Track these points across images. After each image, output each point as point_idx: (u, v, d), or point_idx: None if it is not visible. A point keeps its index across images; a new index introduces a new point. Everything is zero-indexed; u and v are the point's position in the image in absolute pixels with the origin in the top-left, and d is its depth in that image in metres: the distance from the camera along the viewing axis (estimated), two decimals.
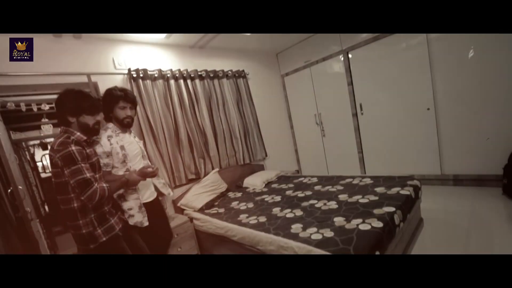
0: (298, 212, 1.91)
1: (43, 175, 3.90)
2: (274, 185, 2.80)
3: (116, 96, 1.54)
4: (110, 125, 1.58)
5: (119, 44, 2.38)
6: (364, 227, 1.47)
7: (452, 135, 2.66)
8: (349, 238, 1.39)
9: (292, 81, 4.06)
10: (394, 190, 1.90)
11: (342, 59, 3.31)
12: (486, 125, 2.42)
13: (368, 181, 2.25)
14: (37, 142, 3.72)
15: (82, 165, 1.17)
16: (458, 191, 2.62)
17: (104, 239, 1.25)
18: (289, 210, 1.99)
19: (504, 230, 1.82)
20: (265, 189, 2.71)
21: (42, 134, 2.95)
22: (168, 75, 2.60)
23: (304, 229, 1.63)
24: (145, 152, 1.75)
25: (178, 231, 2.17)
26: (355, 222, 1.55)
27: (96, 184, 1.20)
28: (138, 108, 2.31)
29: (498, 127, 2.31)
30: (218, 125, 3.02)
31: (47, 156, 4.83)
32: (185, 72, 2.74)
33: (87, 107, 1.28)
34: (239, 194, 2.73)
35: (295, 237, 1.54)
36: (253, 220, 1.95)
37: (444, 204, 2.41)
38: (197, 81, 2.85)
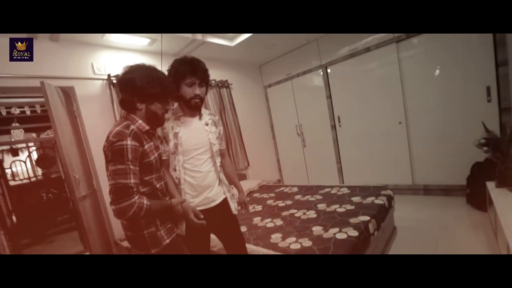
0: (278, 222, 1.93)
1: (12, 183, 3.63)
2: (256, 195, 2.81)
3: (182, 70, 1.17)
4: (175, 105, 1.27)
5: (99, 49, 2.33)
6: (340, 236, 1.52)
7: (422, 147, 2.85)
8: (326, 247, 1.43)
9: (274, 93, 4.16)
10: (369, 199, 1.99)
11: (322, 73, 3.47)
12: (452, 138, 2.61)
13: (345, 190, 2.34)
14: (7, 147, 3.47)
15: (131, 166, 0.93)
16: (428, 200, 2.78)
17: (167, 241, 1.06)
18: (269, 219, 2.01)
19: (468, 237, 1.95)
20: (247, 199, 2.71)
21: (12, 140, 2.76)
22: None
23: (283, 238, 1.65)
24: (217, 147, 1.29)
25: None
26: (332, 231, 1.60)
27: (135, 198, 0.93)
28: (116, 113, 2.27)
29: (462, 141, 2.50)
30: None
31: (17, 163, 4.55)
32: None
33: (162, 94, 1.05)
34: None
35: (274, 247, 1.56)
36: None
37: (416, 212, 2.55)
38: None
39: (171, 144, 1.19)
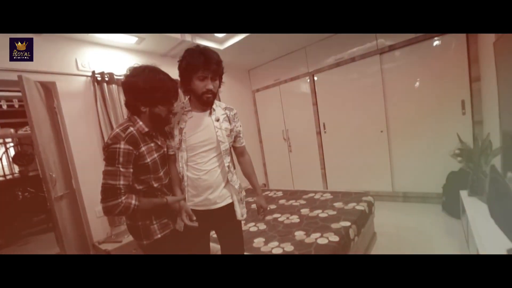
0: (262, 226, 1.94)
1: None
2: None
3: (195, 63, 1.08)
4: (186, 99, 1.23)
5: (84, 45, 2.26)
6: (322, 241, 1.55)
7: (401, 156, 2.96)
8: (307, 252, 1.45)
9: (262, 97, 4.20)
10: (351, 205, 2.04)
11: (308, 80, 3.54)
12: (429, 148, 2.74)
13: (328, 196, 2.38)
14: None
15: (121, 169, 0.98)
16: (407, 207, 2.89)
17: (159, 236, 1.12)
18: (253, 224, 2.01)
19: (442, 243, 2.04)
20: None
21: None
22: None
23: (266, 243, 1.66)
24: (226, 145, 1.20)
25: (136, 246, 2.05)
26: (314, 236, 1.63)
27: (122, 198, 0.98)
28: (99, 111, 2.21)
29: (439, 151, 2.63)
30: None
31: None
32: None
33: (165, 97, 1.06)
34: None
35: (257, 251, 1.56)
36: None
37: (395, 219, 2.63)
38: None
39: (176, 139, 1.16)
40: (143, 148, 1.05)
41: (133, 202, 1.01)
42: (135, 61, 2.64)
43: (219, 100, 1.39)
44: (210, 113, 1.18)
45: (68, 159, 2.16)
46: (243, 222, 2.03)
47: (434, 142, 2.69)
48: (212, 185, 1.17)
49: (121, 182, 0.98)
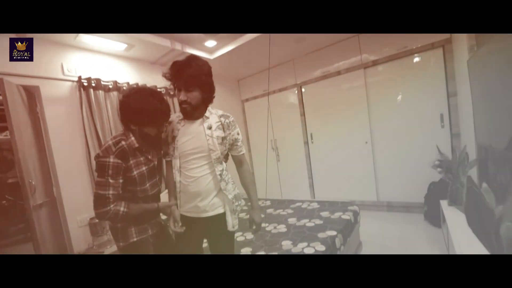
0: (249, 236, 1.92)
1: None
2: None
3: (169, 74, 1.15)
4: None
5: (71, 50, 2.23)
6: (308, 250, 1.56)
7: (385, 166, 3.05)
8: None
9: (251, 107, 4.25)
10: (337, 214, 2.07)
11: (296, 92, 3.63)
12: (411, 159, 2.84)
13: (315, 205, 2.41)
14: None
15: (110, 180, 1.07)
16: (391, 216, 2.96)
17: (135, 239, 1.18)
18: (240, 233, 1.99)
19: (424, 251, 2.09)
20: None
21: None
22: (124, 88, 2.50)
23: (253, 252, 1.64)
24: (217, 154, 1.18)
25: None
26: (301, 245, 1.63)
27: (111, 206, 1.08)
28: (84, 117, 2.16)
29: (421, 162, 2.73)
30: None
31: None
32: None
33: (153, 119, 1.12)
34: None
35: None
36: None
37: (379, 228, 2.69)
38: None
39: (170, 147, 1.20)
40: (131, 162, 1.12)
41: (122, 209, 1.10)
42: (124, 68, 2.65)
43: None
44: (202, 122, 1.18)
45: (49, 166, 2.08)
46: None
47: (416, 153, 2.80)
48: (202, 193, 1.17)
49: (110, 192, 1.07)
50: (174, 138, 1.18)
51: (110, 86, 2.38)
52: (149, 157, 1.21)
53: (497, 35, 1.13)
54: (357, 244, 2.25)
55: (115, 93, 2.41)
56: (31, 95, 2.03)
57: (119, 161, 1.08)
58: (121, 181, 1.10)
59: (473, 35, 1.73)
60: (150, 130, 1.14)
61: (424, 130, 2.73)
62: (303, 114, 3.63)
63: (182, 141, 1.17)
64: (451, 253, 1.75)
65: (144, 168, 1.17)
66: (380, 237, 2.48)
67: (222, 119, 1.22)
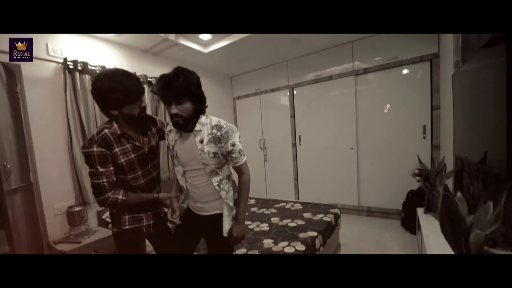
0: None
1: None
2: None
3: (156, 89, 1.12)
4: None
5: None
6: (288, 249, 1.58)
7: (368, 173, 3.14)
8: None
9: (242, 105, 4.24)
10: (319, 216, 2.11)
11: (288, 93, 3.66)
12: (393, 167, 2.94)
13: (298, 206, 2.45)
14: None
15: (100, 169, 1.09)
16: (370, 221, 3.05)
17: (127, 227, 1.21)
18: None
19: None
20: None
21: None
22: None
23: (234, 249, 1.64)
24: (211, 167, 1.17)
25: (98, 247, 1.92)
26: (282, 244, 1.66)
27: (109, 194, 1.11)
28: (68, 102, 2.08)
29: (402, 170, 2.84)
30: None
31: None
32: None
33: (127, 97, 1.09)
34: None
35: None
36: None
37: (358, 231, 2.77)
38: (145, 86, 2.71)
39: (172, 152, 1.25)
40: (116, 149, 1.11)
41: (120, 197, 1.13)
42: (113, 53, 2.58)
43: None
44: (195, 135, 1.16)
45: (27, 149, 1.99)
46: None
47: (397, 162, 2.90)
48: (204, 198, 1.23)
49: (104, 180, 1.10)
50: (173, 147, 1.22)
51: (98, 71, 2.31)
52: (137, 143, 1.19)
53: (481, 52, 1.19)
54: (336, 245, 2.31)
55: None
56: (11, 74, 1.93)
57: (103, 149, 1.08)
58: (111, 168, 1.11)
59: (459, 51, 1.81)
60: (130, 109, 1.12)
61: (407, 140, 2.83)
62: (293, 116, 3.66)
63: (180, 153, 1.21)
64: None
65: (133, 156, 1.17)
66: (358, 241, 2.55)
67: (215, 131, 1.16)
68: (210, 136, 1.16)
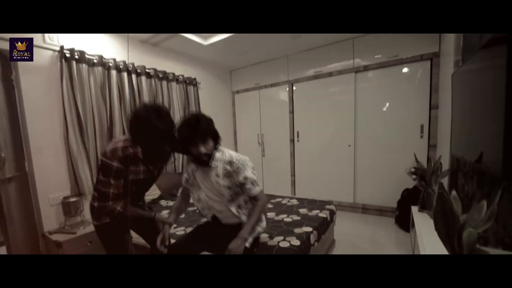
0: None
1: None
2: None
3: (184, 134, 1.25)
4: None
5: None
6: (283, 244, 1.59)
7: (365, 170, 3.16)
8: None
9: (241, 100, 4.22)
10: (314, 212, 2.12)
11: (287, 89, 3.65)
12: (389, 165, 2.96)
13: (294, 202, 2.46)
14: None
15: (112, 182, 1.15)
16: (365, 218, 3.08)
17: (107, 220, 1.23)
18: None
19: (391, 253, 2.21)
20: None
21: None
22: (110, 64, 2.39)
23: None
24: (228, 197, 1.33)
25: (93, 238, 1.92)
26: (277, 239, 1.66)
27: (109, 203, 1.18)
28: (64, 91, 2.06)
29: (397, 169, 2.85)
30: None
31: None
32: (130, 65, 2.57)
33: (153, 139, 1.16)
34: (171, 203, 2.61)
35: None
36: (180, 231, 1.89)
37: (353, 228, 2.79)
38: (143, 78, 2.69)
39: (191, 181, 1.42)
40: (131, 168, 1.20)
41: (118, 208, 1.20)
42: (111, 43, 2.53)
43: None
44: (211, 169, 1.32)
45: (22, 138, 1.96)
46: None
47: (394, 160, 2.92)
48: (226, 219, 1.42)
49: (111, 191, 1.17)
50: (195, 177, 1.39)
51: (95, 61, 2.27)
52: (151, 168, 1.29)
53: (481, 52, 1.19)
54: (330, 241, 2.33)
55: (99, 68, 2.31)
56: (6, 61, 1.89)
57: (122, 166, 1.15)
58: (122, 181, 1.18)
59: (460, 51, 1.80)
60: (154, 152, 1.23)
61: (404, 139, 2.84)
62: (291, 111, 3.66)
63: (201, 182, 1.38)
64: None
65: (141, 177, 1.26)
66: (353, 237, 2.58)
67: (228, 166, 1.32)
68: (225, 171, 1.32)
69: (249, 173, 1.33)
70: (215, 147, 1.33)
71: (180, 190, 1.52)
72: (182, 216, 2.19)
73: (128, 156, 1.15)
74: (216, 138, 1.33)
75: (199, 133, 1.23)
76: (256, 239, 1.43)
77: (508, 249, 0.69)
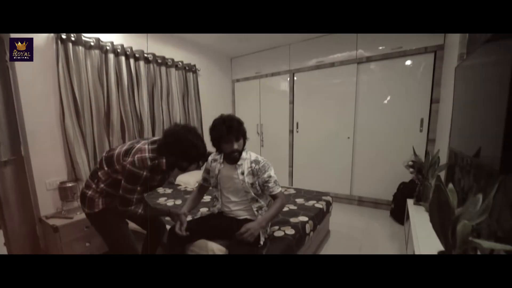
0: None
1: None
2: None
3: (219, 131, 1.37)
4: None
5: None
6: (278, 233, 1.60)
7: (362, 163, 3.16)
8: (263, 243, 1.47)
9: (241, 88, 4.17)
10: (311, 202, 2.14)
11: (288, 79, 3.60)
12: (387, 159, 2.96)
13: (292, 191, 2.47)
14: None
15: (138, 188, 1.22)
16: (360, 210, 3.11)
17: (100, 207, 1.31)
18: None
19: (386, 246, 2.24)
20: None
21: None
22: (108, 48, 2.34)
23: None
24: (251, 195, 1.45)
25: (89, 224, 1.93)
26: (272, 228, 1.67)
27: (132, 207, 1.26)
28: (60, 74, 2.02)
29: (395, 163, 2.85)
30: (158, 115, 2.85)
31: None
32: (129, 49, 2.51)
33: (194, 158, 1.29)
34: (169, 191, 2.61)
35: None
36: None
37: (348, 220, 2.82)
38: (141, 63, 2.64)
39: (213, 180, 1.53)
40: (153, 177, 1.27)
41: (139, 211, 1.29)
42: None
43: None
44: (236, 167, 1.44)
45: (18, 121, 1.94)
46: (206, 209, 2.03)
47: (392, 153, 2.92)
48: (238, 216, 1.51)
49: (135, 196, 1.24)
50: (217, 175, 1.49)
51: (92, 44, 2.22)
52: (166, 176, 1.39)
53: (486, 45, 1.16)
54: (325, 232, 2.35)
55: (96, 51, 2.26)
56: (0, 42, 1.84)
57: (149, 174, 1.22)
58: (143, 188, 1.25)
59: (465, 43, 1.77)
60: (186, 165, 1.29)
61: (403, 133, 2.83)
62: (292, 102, 3.62)
63: (223, 181, 1.48)
64: (409, 247, 1.88)
65: (155, 184, 1.34)
66: (348, 228, 2.61)
67: (253, 165, 1.44)
68: (250, 169, 1.43)
69: (272, 172, 1.45)
70: (244, 146, 1.45)
71: (197, 186, 1.65)
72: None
73: (155, 166, 1.22)
74: (245, 138, 1.45)
75: (233, 131, 1.34)
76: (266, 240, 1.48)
77: (500, 242, 0.70)
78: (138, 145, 1.26)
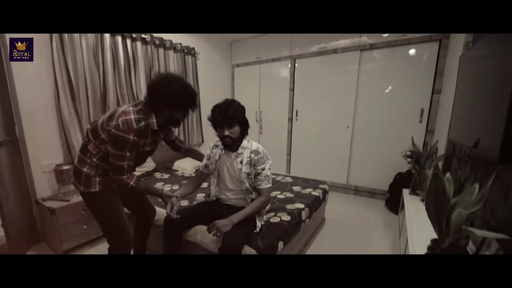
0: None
1: None
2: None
3: (214, 117, 1.37)
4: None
5: None
6: (274, 219, 1.61)
7: (360, 152, 3.16)
8: (259, 229, 1.48)
9: (241, 74, 4.10)
10: (308, 190, 2.15)
11: (289, 65, 3.52)
12: (385, 149, 2.96)
13: (289, 179, 2.48)
14: None
15: (127, 154, 1.16)
16: (356, 199, 3.14)
17: (97, 189, 1.25)
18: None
19: (380, 234, 2.27)
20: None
21: None
22: None
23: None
24: (246, 185, 1.43)
25: (85, 207, 1.94)
26: (268, 215, 1.68)
27: (124, 176, 1.20)
28: (54, 53, 1.96)
29: (393, 152, 2.86)
30: None
31: None
32: None
33: (187, 106, 1.24)
34: (166, 176, 2.62)
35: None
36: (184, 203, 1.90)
37: (344, 208, 2.86)
38: (138, 43, 2.57)
39: (211, 167, 1.53)
40: (142, 141, 1.21)
41: (131, 183, 1.23)
42: None
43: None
44: (236, 156, 1.44)
45: (11, 102, 1.90)
46: (203, 195, 2.04)
47: (390, 144, 2.91)
48: (236, 204, 1.53)
49: (125, 163, 1.17)
50: (216, 161, 1.49)
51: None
52: (158, 139, 1.34)
53: (492, 35, 1.13)
54: (321, 219, 2.38)
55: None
56: None
57: (137, 139, 1.15)
58: (135, 152, 1.19)
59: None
60: (179, 115, 1.24)
61: (403, 123, 2.81)
62: (292, 89, 3.57)
63: (222, 168, 1.49)
64: (402, 235, 1.91)
65: (147, 149, 1.29)
66: (343, 216, 2.64)
67: (253, 155, 1.42)
68: (249, 159, 1.42)
69: (267, 166, 1.43)
70: (243, 135, 1.44)
71: (197, 172, 1.62)
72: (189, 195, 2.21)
73: (144, 129, 1.16)
74: (244, 126, 1.43)
75: (226, 116, 1.33)
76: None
77: (493, 231, 0.70)
78: (121, 109, 1.17)
